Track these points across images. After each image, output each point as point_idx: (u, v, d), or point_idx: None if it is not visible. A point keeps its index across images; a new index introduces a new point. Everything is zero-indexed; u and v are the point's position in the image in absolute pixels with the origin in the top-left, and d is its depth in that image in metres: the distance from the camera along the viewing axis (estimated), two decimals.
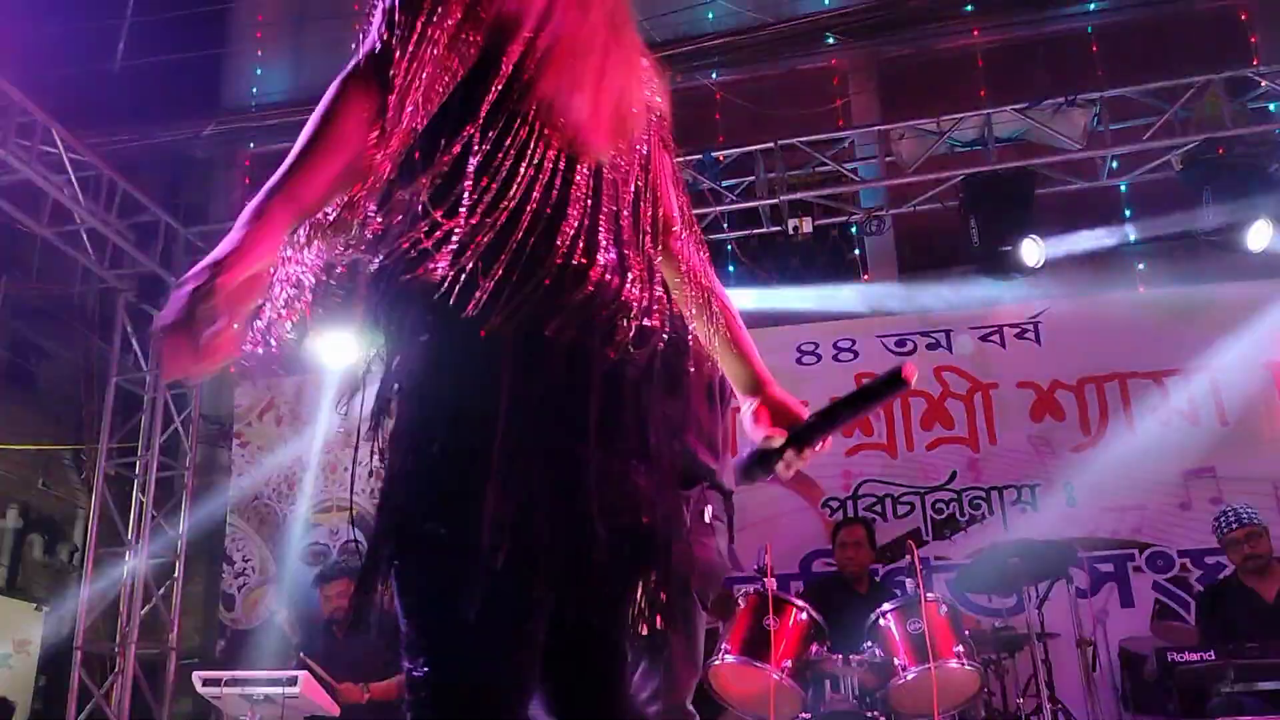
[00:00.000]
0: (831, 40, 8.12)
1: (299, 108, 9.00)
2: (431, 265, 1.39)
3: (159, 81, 9.08)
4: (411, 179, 1.44)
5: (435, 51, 1.44)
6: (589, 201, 1.49)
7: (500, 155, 1.44)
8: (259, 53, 9.77)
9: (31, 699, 7.55)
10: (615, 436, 1.42)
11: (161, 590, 7.72)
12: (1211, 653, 4.67)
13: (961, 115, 7.11)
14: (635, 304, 1.48)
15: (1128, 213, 7.50)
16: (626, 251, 1.52)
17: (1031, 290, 7.02)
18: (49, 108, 6.78)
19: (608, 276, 1.46)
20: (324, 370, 7.68)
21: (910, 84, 8.55)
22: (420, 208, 1.42)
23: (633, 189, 1.59)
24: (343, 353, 7.55)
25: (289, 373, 8.17)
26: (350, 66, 1.47)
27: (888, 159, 7.35)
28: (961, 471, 7.05)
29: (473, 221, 1.40)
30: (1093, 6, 8.22)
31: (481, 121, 1.45)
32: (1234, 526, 5.26)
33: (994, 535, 6.52)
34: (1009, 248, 6.65)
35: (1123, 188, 7.43)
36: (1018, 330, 7.26)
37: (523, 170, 1.44)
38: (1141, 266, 7.41)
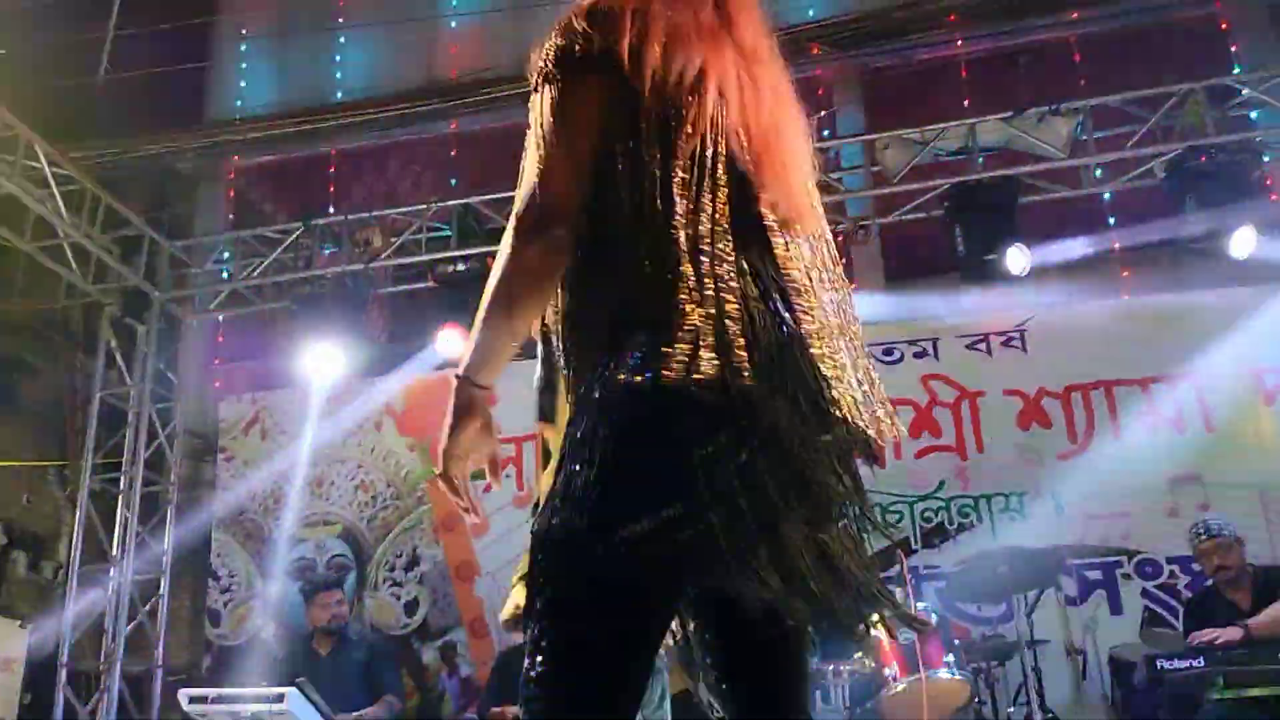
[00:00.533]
0: (816, 51, 8.14)
1: (284, 120, 9.00)
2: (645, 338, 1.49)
3: (143, 95, 9.03)
4: (616, 255, 1.56)
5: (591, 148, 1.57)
6: (785, 276, 1.57)
7: (705, 235, 1.53)
8: (243, 65, 9.74)
9: (16, 717, 7.47)
10: (800, 500, 1.48)
11: (147, 607, 7.66)
12: (1201, 660, 4.67)
13: (946, 125, 7.13)
14: (828, 375, 1.54)
15: (1112, 220, 7.54)
16: (810, 319, 1.57)
17: (1017, 298, 7.04)
18: (32, 122, 6.75)
19: (802, 348, 1.53)
20: (308, 384, 7.65)
21: (895, 94, 8.57)
22: (627, 283, 1.54)
23: (821, 254, 1.68)
24: (328, 367, 7.55)
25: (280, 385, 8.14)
26: (516, 220, 1.61)
27: (873, 168, 7.36)
28: (950, 480, 7.05)
29: (682, 299, 1.49)
30: (1075, 17, 8.25)
31: (691, 205, 1.55)
32: (1204, 538, 5.27)
33: (983, 543, 6.52)
34: (994, 256, 6.66)
35: (1107, 196, 7.47)
36: (1004, 338, 7.28)
37: (725, 248, 1.53)
38: (1126, 274, 7.44)
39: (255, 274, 7.88)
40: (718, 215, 1.54)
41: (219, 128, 9.30)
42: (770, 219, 1.59)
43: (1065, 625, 5.87)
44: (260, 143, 9.12)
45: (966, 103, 8.00)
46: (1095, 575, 6.62)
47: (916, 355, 7.35)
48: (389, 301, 8.16)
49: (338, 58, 9.39)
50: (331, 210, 8.43)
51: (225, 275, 8.20)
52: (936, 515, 6.95)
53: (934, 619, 4.72)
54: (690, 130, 1.55)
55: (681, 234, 1.51)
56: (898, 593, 4.94)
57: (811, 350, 1.53)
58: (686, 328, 1.46)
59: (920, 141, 7.13)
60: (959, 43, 8.39)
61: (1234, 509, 6.34)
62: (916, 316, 7.40)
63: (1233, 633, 4.77)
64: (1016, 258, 6.63)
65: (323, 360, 7.34)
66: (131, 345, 7.92)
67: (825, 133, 8.00)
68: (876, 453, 1.62)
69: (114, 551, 7.61)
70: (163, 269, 7.98)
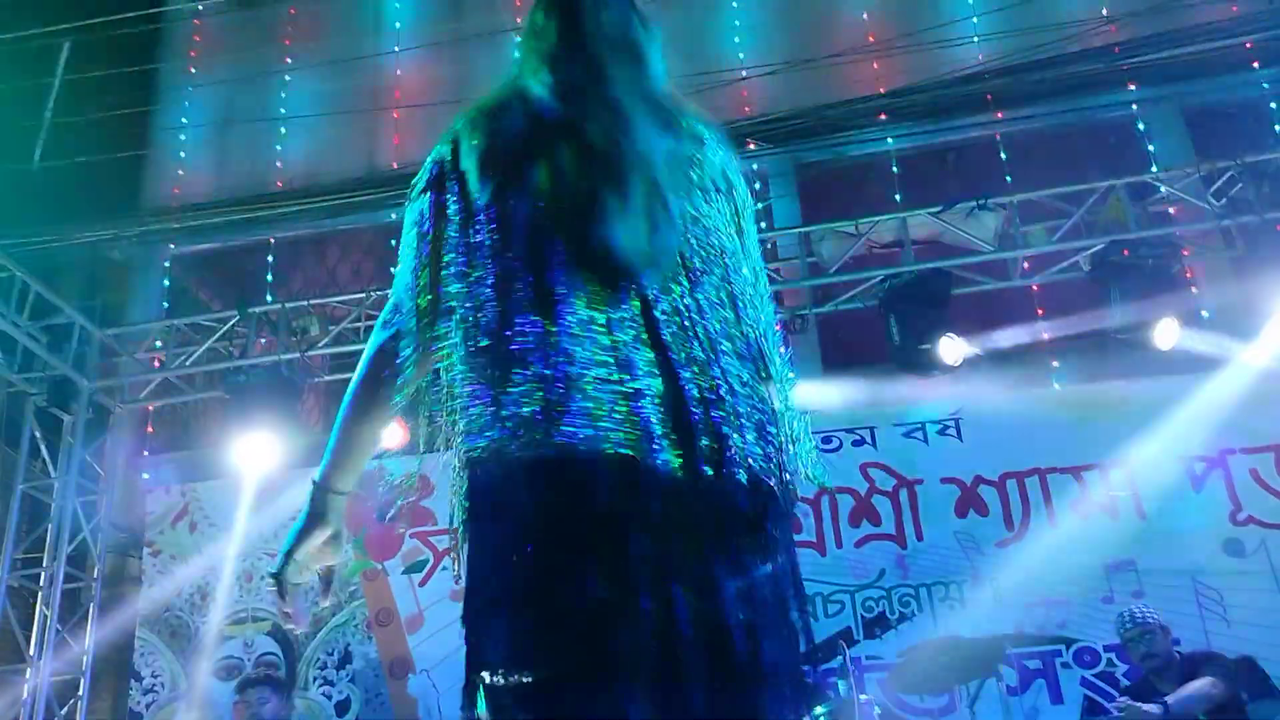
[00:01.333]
0: (753, 147, 8.33)
1: (222, 208, 8.95)
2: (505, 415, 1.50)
3: (79, 181, 8.95)
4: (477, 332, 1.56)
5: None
6: (652, 333, 1.56)
7: (551, 300, 1.54)
8: (182, 154, 9.70)
9: None
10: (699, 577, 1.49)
11: (64, 710, 7.33)
12: None
13: (879, 218, 7.31)
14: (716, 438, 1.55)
15: (1040, 312, 7.73)
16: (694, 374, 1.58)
17: (951, 387, 7.14)
18: None
19: (691, 408, 1.53)
20: (240, 475, 7.48)
21: (829, 188, 8.78)
22: (488, 360, 1.53)
23: (714, 306, 1.66)
24: (260, 457, 7.40)
25: (204, 478, 7.95)
26: (379, 322, 1.71)
27: (809, 260, 7.50)
28: (890, 568, 7.05)
29: (544, 371, 1.49)
30: (999, 117, 8.55)
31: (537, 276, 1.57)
32: (1129, 627, 5.28)
33: (924, 633, 6.50)
34: (928, 346, 6.79)
35: (1035, 287, 7.66)
36: (940, 427, 7.37)
37: (577, 311, 1.53)
38: (1055, 364, 7.60)
39: (187, 362, 7.75)
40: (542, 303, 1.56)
41: (155, 215, 9.22)
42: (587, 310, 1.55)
43: (1007, 715, 5.85)
44: (198, 231, 9.05)
45: (898, 197, 8.22)
46: (1035, 664, 6.63)
47: (855, 443, 7.40)
48: (324, 390, 8.06)
49: (278, 147, 9.40)
50: (270, 299, 8.35)
51: (156, 364, 8.05)
52: (878, 605, 6.93)
53: (877, 712, 4.67)
54: (516, 230, 1.59)
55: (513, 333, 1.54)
56: (841, 684, 4.89)
57: None
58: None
59: (854, 234, 7.29)
60: (889, 140, 8.65)
61: (1167, 595, 6.42)
62: (854, 405, 7.46)
63: (1154, 709, 4.78)
64: (949, 347, 6.76)
65: (255, 450, 7.20)
66: (57, 436, 7.71)
67: (761, 224, 8.15)
68: None
69: (31, 651, 7.30)
70: (92, 357, 7.81)
